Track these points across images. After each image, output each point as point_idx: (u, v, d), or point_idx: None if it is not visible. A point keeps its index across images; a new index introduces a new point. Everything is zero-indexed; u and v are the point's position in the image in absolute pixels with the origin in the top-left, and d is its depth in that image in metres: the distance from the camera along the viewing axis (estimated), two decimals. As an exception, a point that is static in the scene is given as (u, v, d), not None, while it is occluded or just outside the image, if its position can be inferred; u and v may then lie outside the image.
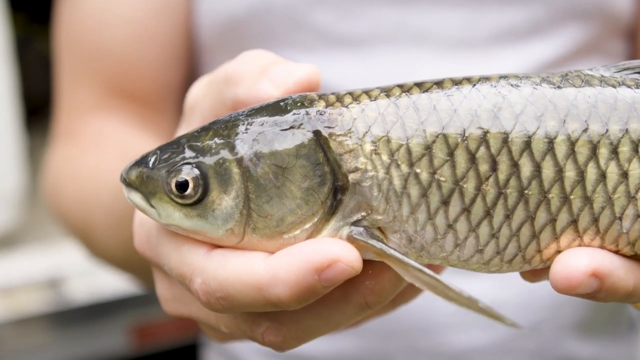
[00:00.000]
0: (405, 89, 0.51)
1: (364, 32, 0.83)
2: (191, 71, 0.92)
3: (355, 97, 0.51)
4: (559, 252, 0.50)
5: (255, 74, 0.53)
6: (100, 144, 0.88)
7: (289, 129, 0.50)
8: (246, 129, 0.51)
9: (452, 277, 0.55)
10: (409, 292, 0.56)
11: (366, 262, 0.51)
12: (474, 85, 0.51)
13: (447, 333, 0.84)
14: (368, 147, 0.50)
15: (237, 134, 0.51)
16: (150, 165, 0.51)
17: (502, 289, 0.84)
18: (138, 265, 0.76)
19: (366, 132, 0.50)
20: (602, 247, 0.50)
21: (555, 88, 0.51)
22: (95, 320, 1.87)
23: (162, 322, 1.90)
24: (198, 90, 0.57)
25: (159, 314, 1.80)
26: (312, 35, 0.83)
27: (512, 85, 0.51)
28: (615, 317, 0.93)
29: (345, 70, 0.83)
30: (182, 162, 0.51)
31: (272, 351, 0.59)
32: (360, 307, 0.52)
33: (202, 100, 0.56)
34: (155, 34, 0.88)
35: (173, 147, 0.52)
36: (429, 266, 0.57)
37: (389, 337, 0.85)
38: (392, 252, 0.49)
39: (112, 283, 1.79)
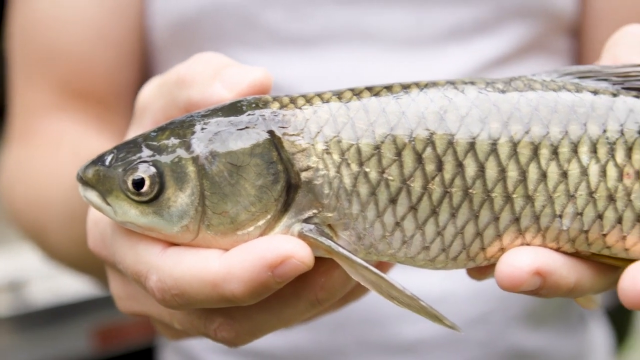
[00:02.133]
0: (356, 92, 0.53)
1: (314, 32, 0.84)
2: (145, 71, 0.92)
3: (308, 99, 0.53)
4: (502, 249, 0.52)
5: (208, 76, 0.54)
6: (55, 145, 0.88)
7: (244, 128, 0.52)
8: (202, 129, 0.52)
9: (404, 268, 0.56)
10: (360, 289, 0.58)
11: (318, 259, 0.52)
12: (422, 89, 0.53)
13: (398, 324, 0.86)
14: (320, 147, 0.52)
15: (193, 133, 0.52)
16: (107, 164, 0.53)
17: (450, 280, 0.86)
18: (93, 265, 0.77)
19: (318, 133, 0.52)
20: (543, 244, 0.52)
21: (499, 92, 0.53)
22: (58, 323, 1.86)
23: (125, 324, 1.90)
24: (149, 92, 0.58)
25: (122, 316, 1.80)
26: (264, 35, 0.85)
27: (458, 89, 0.53)
28: (564, 309, 0.95)
29: (296, 69, 0.85)
30: (138, 161, 0.52)
31: (227, 348, 0.61)
32: (311, 303, 0.53)
33: (154, 102, 0.57)
34: (109, 33, 0.88)
35: (130, 146, 0.53)
36: (379, 264, 0.59)
37: (341, 329, 0.86)
38: (340, 249, 0.51)
39: (74, 286, 1.78)
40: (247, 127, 0.52)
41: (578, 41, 0.91)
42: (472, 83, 0.53)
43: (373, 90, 0.53)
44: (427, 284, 0.85)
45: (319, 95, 0.53)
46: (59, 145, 0.88)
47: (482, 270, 0.55)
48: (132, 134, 0.59)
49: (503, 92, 0.53)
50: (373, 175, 0.51)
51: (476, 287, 0.86)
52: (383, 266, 0.60)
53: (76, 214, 0.76)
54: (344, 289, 0.54)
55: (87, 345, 1.88)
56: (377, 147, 0.51)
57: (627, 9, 0.88)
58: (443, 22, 0.85)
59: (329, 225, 0.52)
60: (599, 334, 1.01)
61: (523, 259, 0.49)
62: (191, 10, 0.86)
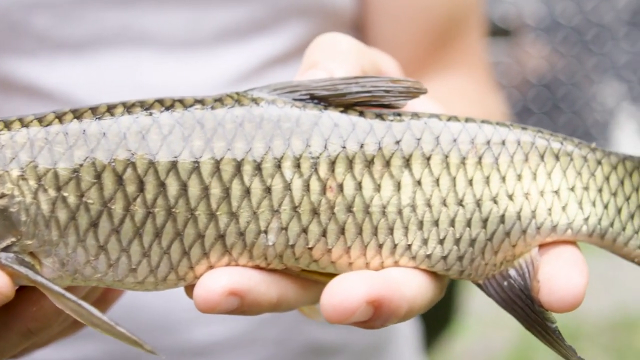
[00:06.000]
0: (59, 114, 0.52)
1: (86, 35, 0.82)
2: None
3: (8, 124, 0.52)
4: (211, 267, 0.52)
5: None
6: None
7: None
8: None
9: None
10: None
11: (30, 289, 0.51)
12: (128, 108, 0.52)
13: (188, 329, 0.86)
14: (15, 173, 0.51)
15: None
16: None
17: None
18: None
19: (13, 158, 0.51)
20: (251, 261, 0.52)
21: (205, 109, 0.53)
22: None
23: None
24: None
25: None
26: (33, 40, 0.82)
27: (164, 107, 0.52)
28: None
29: (69, 74, 0.83)
30: None
31: None
32: (23, 334, 0.52)
33: None
34: None
35: None
36: (108, 289, 0.58)
37: None
38: (38, 277, 0.50)
39: None
40: None
41: (362, 37, 0.92)
42: (180, 101, 0.53)
43: (77, 112, 0.52)
44: None
45: (20, 120, 0.52)
46: None
47: None
48: None
49: (210, 109, 0.53)
50: (72, 199, 0.51)
51: None
52: (114, 291, 0.60)
53: None
54: (57, 317, 0.53)
55: None
56: (76, 171, 0.51)
57: (404, 4, 0.90)
58: (219, 22, 0.85)
59: (31, 253, 0.51)
60: (404, 323, 1.03)
61: (217, 280, 0.50)
62: None
